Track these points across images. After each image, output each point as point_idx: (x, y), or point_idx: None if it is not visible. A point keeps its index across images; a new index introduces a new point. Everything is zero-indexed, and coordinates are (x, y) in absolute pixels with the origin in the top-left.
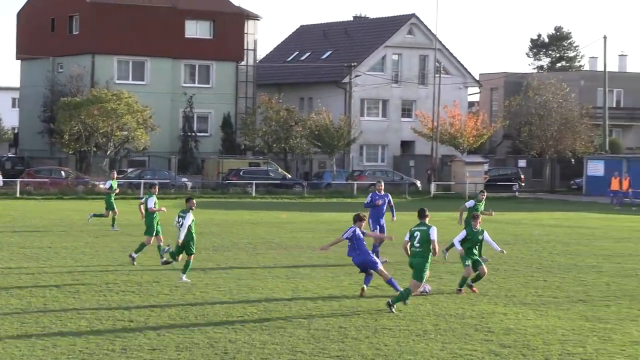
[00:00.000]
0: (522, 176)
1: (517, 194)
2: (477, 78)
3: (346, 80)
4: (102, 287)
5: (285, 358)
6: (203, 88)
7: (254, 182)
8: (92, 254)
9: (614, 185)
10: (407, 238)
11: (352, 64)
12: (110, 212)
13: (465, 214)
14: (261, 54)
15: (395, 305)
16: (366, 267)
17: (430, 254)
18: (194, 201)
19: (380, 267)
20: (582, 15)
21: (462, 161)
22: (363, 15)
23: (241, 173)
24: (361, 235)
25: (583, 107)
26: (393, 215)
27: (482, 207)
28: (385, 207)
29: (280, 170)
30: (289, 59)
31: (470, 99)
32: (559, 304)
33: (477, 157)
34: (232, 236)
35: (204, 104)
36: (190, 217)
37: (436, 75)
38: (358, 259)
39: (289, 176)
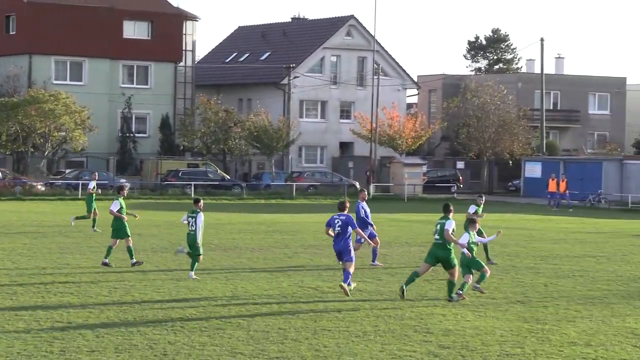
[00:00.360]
0: (461, 178)
1: (455, 195)
2: (416, 80)
3: (285, 81)
4: (40, 289)
5: (225, 359)
6: (141, 89)
7: (192, 183)
8: (30, 255)
9: (551, 186)
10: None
11: (291, 66)
12: (93, 213)
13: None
14: (200, 54)
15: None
16: (341, 255)
17: (452, 244)
18: (202, 202)
19: (353, 262)
20: (519, 18)
21: (401, 162)
22: (301, 17)
23: (180, 174)
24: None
25: (520, 109)
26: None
27: (480, 211)
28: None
29: (219, 171)
30: (227, 60)
31: (409, 100)
32: (497, 305)
33: (415, 158)
34: (171, 237)
35: (142, 104)
36: (202, 217)
37: (375, 77)
38: (336, 246)
39: (228, 177)
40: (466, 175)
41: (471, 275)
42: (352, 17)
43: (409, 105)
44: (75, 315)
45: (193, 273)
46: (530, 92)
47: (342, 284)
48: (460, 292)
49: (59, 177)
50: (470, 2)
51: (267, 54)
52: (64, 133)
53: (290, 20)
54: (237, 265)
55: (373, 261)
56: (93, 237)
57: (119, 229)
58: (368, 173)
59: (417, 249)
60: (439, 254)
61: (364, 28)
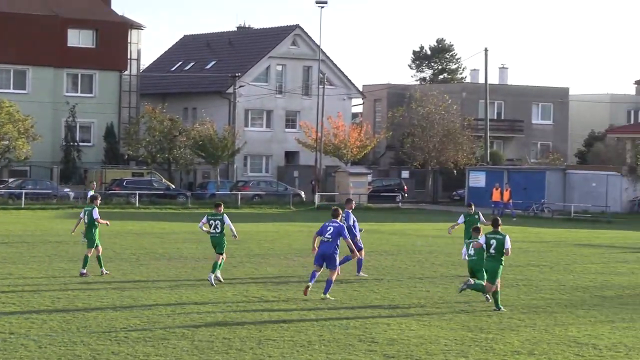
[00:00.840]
0: (405, 187)
1: (400, 204)
2: (361, 89)
3: (230, 90)
4: None
5: None
6: (86, 97)
7: (137, 192)
8: None
9: (495, 196)
10: (481, 241)
11: (236, 75)
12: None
13: (457, 227)
14: (145, 63)
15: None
16: (325, 259)
17: (503, 259)
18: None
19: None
20: (463, 28)
21: (346, 172)
22: (247, 26)
23: (124, 183)
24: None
25: (465, 118)
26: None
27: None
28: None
29: (163, 180)
30: (173, 69)
31: (354, 110)
32: (441, 314)
33: (360, 168)
34: (115, 247)
35: (86, 113)
36: (228, 218)
37: (320, 86)
38: (322, 247)
39: (173, 186)
40: (411, 185)
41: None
42: (297, 26)
43: (354, 115)
44: (17, 326)
45: (216, 274)
46: (475, 102)
47: (323, 294)
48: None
49: (1, 186)
50: (415, 13)
51: (213, 63)
52: (7, 142)
53: (235, 29)
54: (182, 275)
55: (358, 272)
56: (37, 247)
57: (92, 239)
58: (313, 182)
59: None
60: (488, 266)
61: (310, 37)
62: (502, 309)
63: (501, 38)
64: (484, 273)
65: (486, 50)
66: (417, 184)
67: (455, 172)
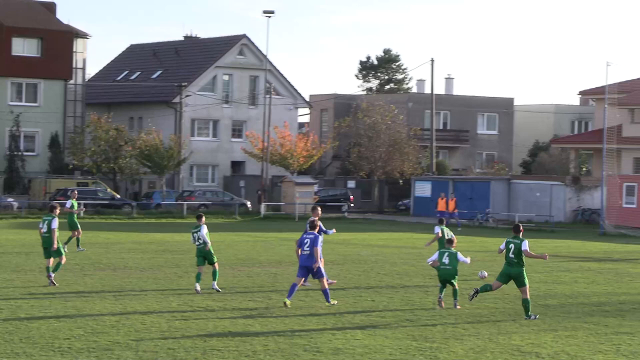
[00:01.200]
0: (351, 197)
1: (346, 214)
2: (307, 99)
3: (177, 100)
4: None
5: None
6: (30, 107)
7: (82, 202)
8: None
9: (441, 206)
10: (502, 247)
11: (183, 84)
12: (76, 232)
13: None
14: (90, 72)
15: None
16: (309, 271)
17: (524, 262)
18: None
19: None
20: (410, 38)
21: (292, 182)
22: (194, 35)
23: (69, 193)
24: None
25: (411, 128)
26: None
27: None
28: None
29: (109, 190)
30: (118, 78)
31: (301, 119)
32: (386, 324)
33: (307, 177)
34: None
35: (31, 122)
36: (204, 229)
37: (266, 96)
38: (303, 260)
39: (118, 196)
40: (357, 195)
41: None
42: (244, 36)
43: (301, 125)
44: None
45: (216, 283)
46: (421, 112)
47: (327, 302)
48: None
49: None
50: (362, 23)
51: (159, 72)
52: None
53: (182, 39)
54: (127, 285)
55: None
56: None
57: (58, 249)
58: (259, 192)
59: None
60: (512, 271)
61: (256, 47)
62: (534, 316)
63: (447, 49)
64: (455, 279)
65: (432, 60)
66: (363, 194)
67: (401, 182)
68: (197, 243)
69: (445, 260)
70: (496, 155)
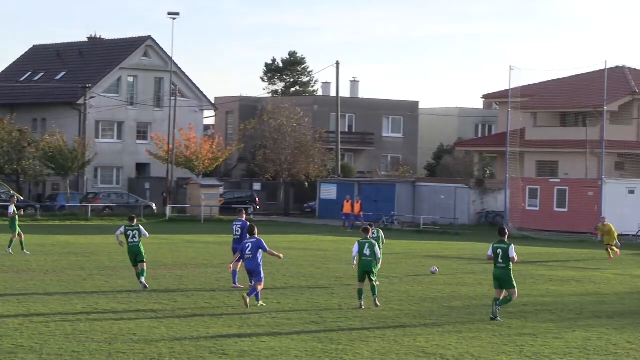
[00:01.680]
0: (257, 199)
1: (252, 216)
2: (213, 101)
3: (81, 101)
4: None
5: None
6: None
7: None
8: None
9: (346, 208)
10: (490, 253)
11: (87, 86)
12: (17, 235)
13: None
14: None
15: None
16: (252, 275)
17: (512, 266)
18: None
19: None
20: (315, 41)
21: (198, 184)
22: (98, 37)
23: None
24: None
25: (316, 131)
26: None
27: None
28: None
29: (12, 192)
30: (21, 79)
31: (206, 122)
32: (292, 326)
33: (212, 180)
34: None
35: None
36: (143, 228)
37: (172, 98)
38: (246, 264)
39: (22, 198)
40: (262, 197)
41: None
42: (149, 37)
43: (206, 127)
44: None
45: (144, 279)
46: (326, 115)
47: (245, 295)
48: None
49: None
50: (267, 25)
51: (63, 73)
52: None
53: (86, 40)
54: (30, 288)
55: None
56: None
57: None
58: (165, 194)
59: (213, 270)
60: (501, 274)
61: (162, 49)
62: (499, 319)
63: (353, 52)
64: (375, 275)
65: (337, 63)
66: (269, 196)
67: (306, 184)
68: (131, 240)
69: (367, 251)
70: (401, 158)
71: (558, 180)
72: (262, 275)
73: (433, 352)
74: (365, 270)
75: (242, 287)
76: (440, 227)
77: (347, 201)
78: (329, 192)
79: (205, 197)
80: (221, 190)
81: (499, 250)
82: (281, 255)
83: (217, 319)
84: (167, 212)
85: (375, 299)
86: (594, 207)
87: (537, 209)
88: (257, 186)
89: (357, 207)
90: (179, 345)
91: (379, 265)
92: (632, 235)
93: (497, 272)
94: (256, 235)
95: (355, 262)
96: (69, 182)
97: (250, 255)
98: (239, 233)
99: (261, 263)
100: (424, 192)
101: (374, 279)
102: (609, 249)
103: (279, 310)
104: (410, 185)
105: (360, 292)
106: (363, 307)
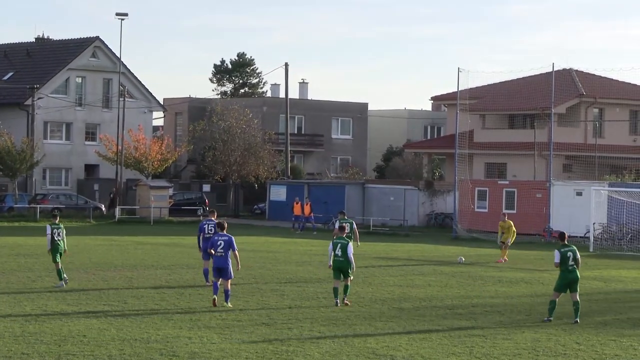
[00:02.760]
0: (207, 200)
1: (201, 218)
2: (162, 102)
3: (29, 102)
4: None
5: None
6: None
7: None
8: None
9: (296, 210)
10: (557, 259)
11: (35, 86)
12: None
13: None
14: None
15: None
16: (221, 272)
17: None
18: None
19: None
20: (264, 42)
21: (147, 185)
22: (46, 37)
23: None
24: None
25: (266, 132)
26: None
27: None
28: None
29: None
30: None
31: (155, 123)
32: (242, 327)
33: (161, 181)
34: None
35: None
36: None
37: (120, 99)
38: (216, 261)
39: None
40: (212, 198)
41: None
42: (97, 38)
43: (155, 128)
44: None
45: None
46: (276, 116)
47: (225, 303)
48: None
49: None
50: (216, 26)
51: (10, 74)
52: None
53: (34, 40)
54: None
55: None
56: None
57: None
58: (112, 195)
59: (162, 271)
60: (572, 277)
61: (110, 50)
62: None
63: (301, 53)
64: (350, 273)
65: (286, 65)
66: (218, 198)
67: (256, 185)
68: (57, 238)
69: (338, 252)
70: (350, 159)
71: (507, 182)
72: (232, 273)
73: (383, 353)
74: (338, 268)
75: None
76: (389, 229)
77: (297, 203)
78: (278, 193)
79: (155, 199)
80: (170, 191)
81: (569, 254)
82: (239, 267)
83: (167, 321)
84: (117, 214)
85: (344, 298)
86: (543, 209)
87: (486, 210)
88: (206, 187)
89: (307, 208)
90: (129, 346)
91: (353, 265)
92: (580, 237)
93: (569, 275)
94: (226, 232)
95: (330, 262)
96: (17, 184)
97: (222, 253)
98: (212, 232)
99: (230, 261)
100: (374, 193)
101: (350, 277)
102: (504, 248)
103: (229, 311)
104: (360, 187)
105: (335, 291)
106: (338, 305)
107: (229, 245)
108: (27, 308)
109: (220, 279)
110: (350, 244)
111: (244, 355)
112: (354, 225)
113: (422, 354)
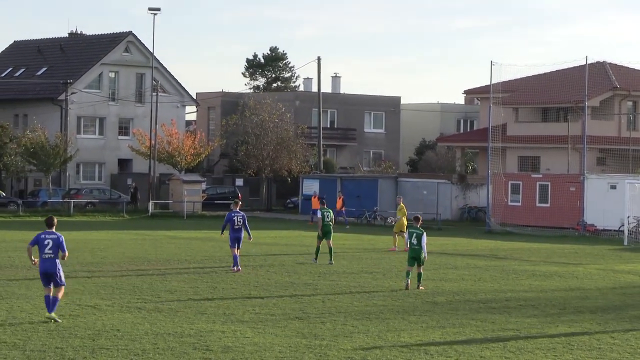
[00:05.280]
0: (240, 195)
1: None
2: (195, 97)
3: (62, 97)
4: None
5: None
6: None
7: None
8: None
9: (314, 204)
10: None
11: (68, 81)
12: None
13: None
14: None
15: None
16: (50, 278)
17: None
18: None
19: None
20: (296, 36)
21: (180, 180)
22: (79, 32)
23: None
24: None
25: (298, 127)
26: (249, 235)
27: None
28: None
29: None
30: (2, 75)
31: (188, 117)
32: (276, 321)
33: (194, 175)
34: None
35: None
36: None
37: (153, 94)
38: (44, 266)
39: (4, 194)
40: (245, 193)
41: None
42: (130, 33)
43: (188, 122)
44: None
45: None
46: (308, 110)
47: (51, 314)
48: None
49: None
50: (248, 20)
51: (44, 69)
52: None
53: (67, 35)
54: (13, 284)
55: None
56: None
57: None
58: (132, 189)
59: (195, 266)
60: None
61: (143, 44)
62: None
63: (334, 47)
64: (422, 261)
65: (319, 59)
66: (251, 192)
67: (289, 180)
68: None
69: (414, 241)
70: (383, 153)
71: (540, 176)
72: (63, 279)
73: (417, 347)
74: (413, 256)
75: (241, 270)
76: (423, 223)
77: (315, 197)
78: (311, 187)
79: (188, 193)
80: (203, 186)
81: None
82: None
83: (200, 315)
84: (150, 208)
85: (419, 285)
86: (576, 203)
87: (519, 204)
88: (239, 182)
89: (339, 202)
90: (163, 340)
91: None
92: (614, 231)
93: None
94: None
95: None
96: (51, 178)
97: (51, 255)
98: (241, 223)
99: (60, 266)
100: (406, 187)
101: (422, 264)
102: (402, 235)
103: (262, 306)
104: (393, 181)
105: (407, 273)
106: (408, 288)
107: (57, 245)
108: (61, 302)
109: (52, 287)
110: (425, 234)
111: (277, 350)
112: (332, 214)
113: (455, 348)
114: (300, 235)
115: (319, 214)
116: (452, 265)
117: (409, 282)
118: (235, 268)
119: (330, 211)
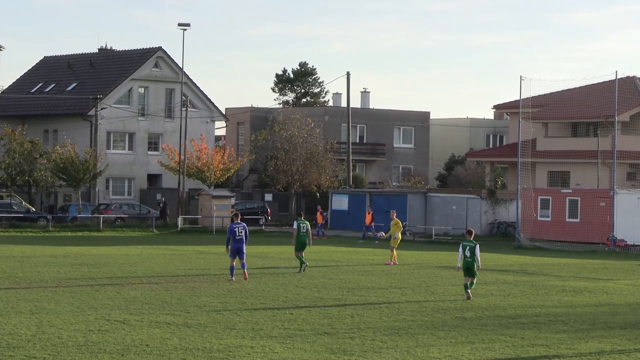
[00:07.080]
0: (269, 210)
1: (263, 227)
2: (224, 112)
3: (92, 112)
4: None
5: None
6: None
7: None
8: None
9: (319, 219)
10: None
11: (98, 97)
12: None
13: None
14: (4, 84)
15: None
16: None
17: None
18: None
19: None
20: (326, 52)
21: (209, 195)
22: (109, 48)
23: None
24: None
25: (327, 142)
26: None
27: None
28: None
29: (24, 203)
30: (33, 91)
31: (217, 132)
32: (305, 337)
33: (224, 190)
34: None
35: None
36: None
37: (183, 109)
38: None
39: (33, 209)
40: (274, 208)
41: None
42: (160, 48)
43: (217, 138)
44: None
45: None
46: (337, 125)
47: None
48: None
49: None
50: (278, 36)
51: (74, 84)
52: None
53: (97, 51)
54: (43, 299)
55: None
56: None
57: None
58: (161, 204)
59: (224, 281)
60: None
61: (172, 60)
62: None
63: (363, 62)
64: (476, 272)
65: (348, 74)
66: (280, 207)
67: (318, 194)
68: None
69: (467, 253)
70: (412, 168)
71: (570, 191)
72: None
73: None
74: (468, 267)
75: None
76: (452, 238)
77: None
78: (340, 202)
79: (217, 208)
80: (233, 201)
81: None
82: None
83: (229, 330)
84: (179, 223)
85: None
86: (606, 218)
87: (549, 219)
88: (268, 197)
89: (368, 217)
90: (192, 356)
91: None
92: None
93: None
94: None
95: (459, 264)
96: (81, 193)
97: (242, 236)
98: (242, 234)
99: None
100: (436, 202)
101: (475, 275)
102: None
103: (291, 321)
104: (422, 196)
105: (465, 286)
106: (471, 298)
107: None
108: (90, 317)
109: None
110: (478, 246)
111: None
112: (308, 226)
113: None
114: (330, 250)
115: (295, 225)
116: (481, 280)
117: (470, 293)
118: (233, 278)
119: (307, 222)
